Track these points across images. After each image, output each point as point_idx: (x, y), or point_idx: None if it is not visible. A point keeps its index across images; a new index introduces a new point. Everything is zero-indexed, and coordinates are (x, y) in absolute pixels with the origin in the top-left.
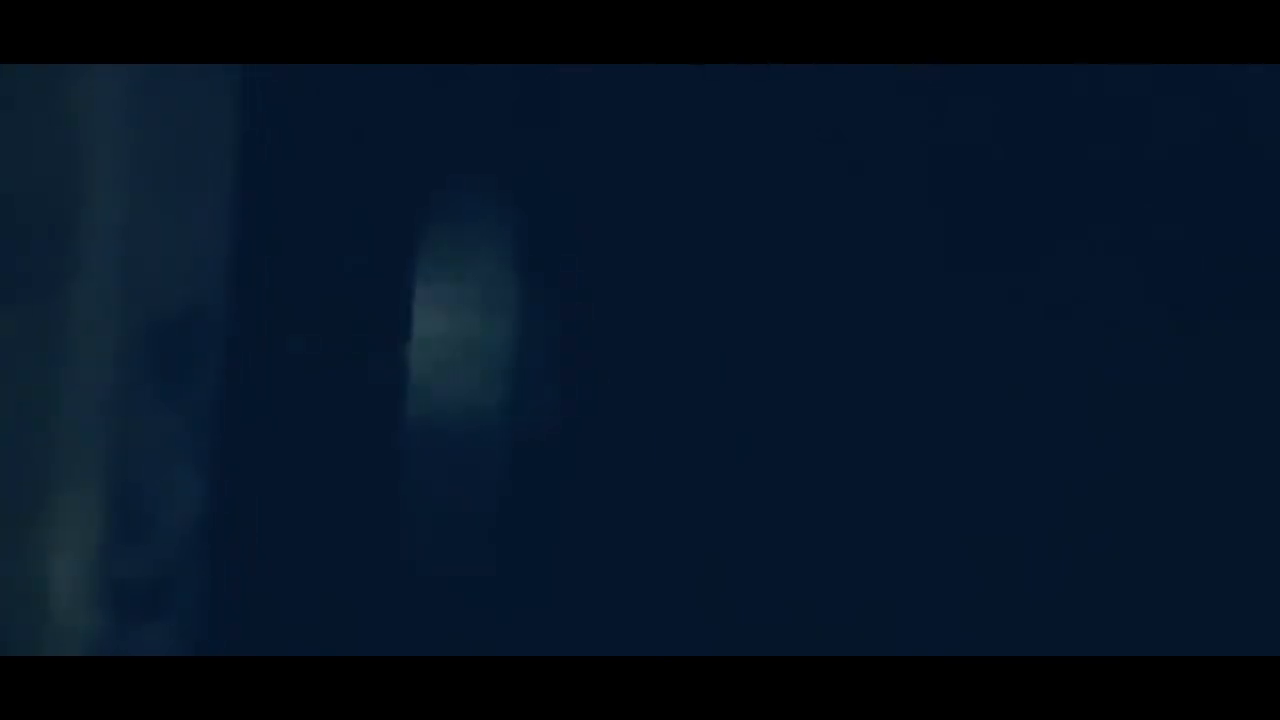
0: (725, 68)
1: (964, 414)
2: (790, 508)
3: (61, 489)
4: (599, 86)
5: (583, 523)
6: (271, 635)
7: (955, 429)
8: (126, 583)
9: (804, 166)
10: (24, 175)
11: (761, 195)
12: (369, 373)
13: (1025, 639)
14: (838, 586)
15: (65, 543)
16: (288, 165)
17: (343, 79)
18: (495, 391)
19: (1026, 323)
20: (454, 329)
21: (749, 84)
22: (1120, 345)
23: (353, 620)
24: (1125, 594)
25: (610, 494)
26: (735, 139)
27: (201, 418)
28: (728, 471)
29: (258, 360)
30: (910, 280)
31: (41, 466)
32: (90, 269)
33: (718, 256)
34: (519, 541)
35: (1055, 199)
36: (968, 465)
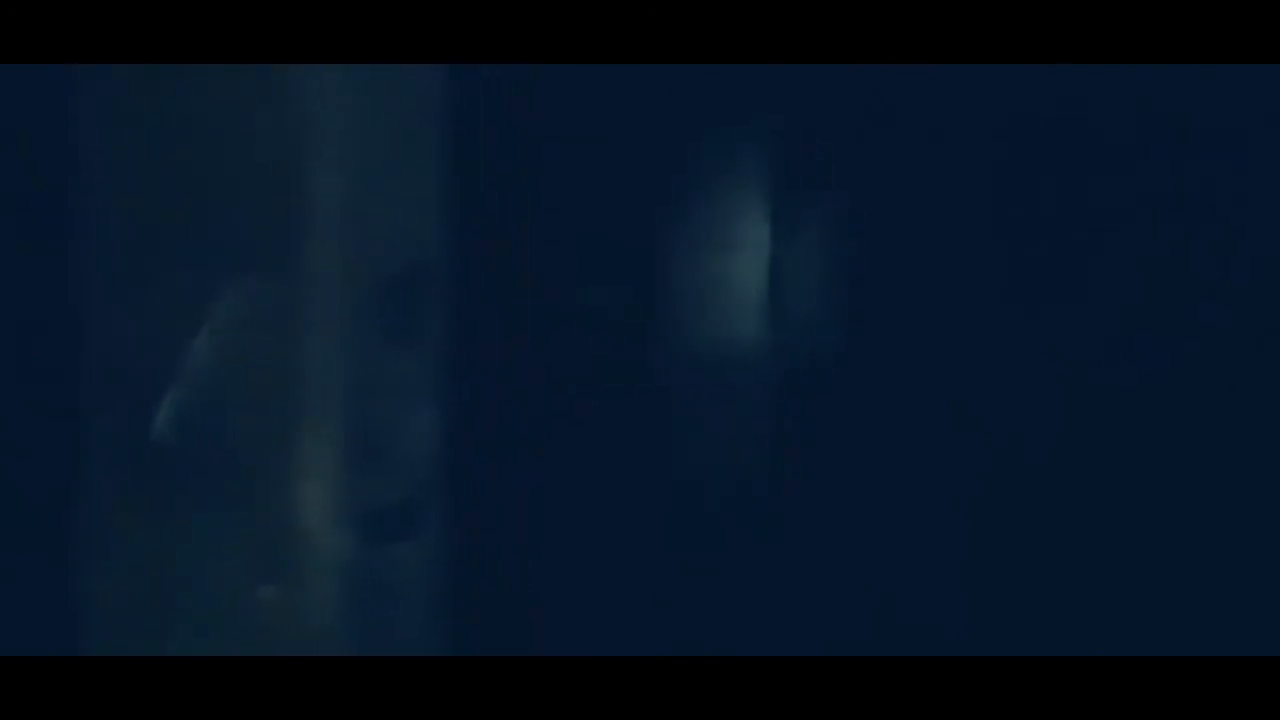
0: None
1: (971, 415)
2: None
3: (308, 428)
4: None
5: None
6: (510, 561)
7: (962, 430)
8: (371, 507)
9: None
10: (250, 162)
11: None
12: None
13: (1032, 639)
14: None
15: (315, 474)
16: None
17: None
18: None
19: (1033, 322)
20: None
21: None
22: (1131, 345)
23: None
24: (1125, 594)
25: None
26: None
27: (428, 360)
28: None
29: (484, 309)
30: (919, 282)
31: (292, 410)
32: (321, 237)
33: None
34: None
35: (1077, 203)
36: (976, 465)
